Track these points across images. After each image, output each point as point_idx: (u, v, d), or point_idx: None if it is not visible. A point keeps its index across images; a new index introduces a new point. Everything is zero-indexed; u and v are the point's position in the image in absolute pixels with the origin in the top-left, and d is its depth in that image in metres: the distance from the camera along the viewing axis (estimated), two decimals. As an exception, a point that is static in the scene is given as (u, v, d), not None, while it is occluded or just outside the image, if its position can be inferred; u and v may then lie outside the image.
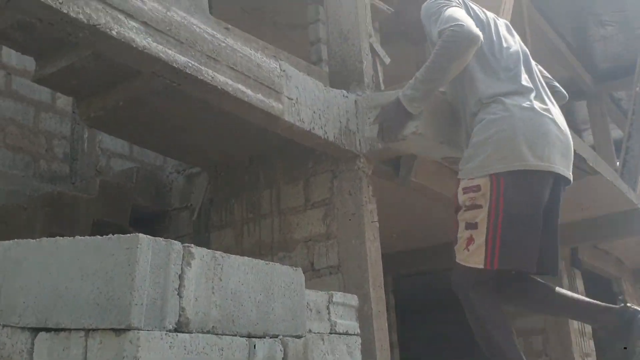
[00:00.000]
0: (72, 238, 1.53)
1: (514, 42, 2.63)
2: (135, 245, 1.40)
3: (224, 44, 3.30)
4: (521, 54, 2.60)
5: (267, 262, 1.78)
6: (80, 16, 2.65)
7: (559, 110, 2.51)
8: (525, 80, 2.46)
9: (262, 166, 4.57)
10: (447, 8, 2.47)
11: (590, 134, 10.02)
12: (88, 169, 5.62)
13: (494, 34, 2.57)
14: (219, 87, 3.19)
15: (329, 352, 2.13)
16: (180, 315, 1.48)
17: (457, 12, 2.43)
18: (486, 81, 2.43)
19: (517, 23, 5.70)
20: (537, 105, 2.40)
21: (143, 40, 2.91)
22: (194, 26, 3.17)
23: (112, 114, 3.86)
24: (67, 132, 5.72)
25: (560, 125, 2.44)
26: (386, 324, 4.01)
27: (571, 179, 2.46)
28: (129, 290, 1.36)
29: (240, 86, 3.34)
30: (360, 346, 2.45)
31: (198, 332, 1.50)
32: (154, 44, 2.95)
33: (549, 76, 2.91)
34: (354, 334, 2.40)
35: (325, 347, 2.16)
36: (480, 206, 2.29)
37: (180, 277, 1.50)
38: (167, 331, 1.42)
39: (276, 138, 4.02)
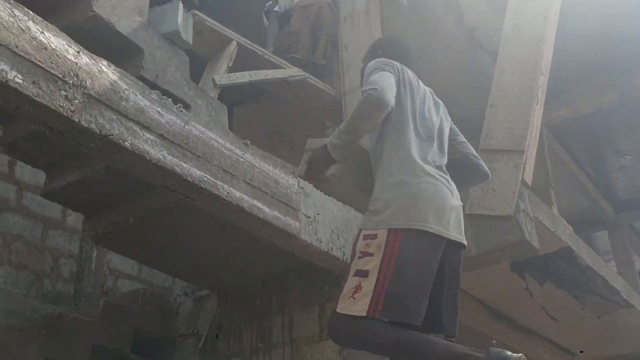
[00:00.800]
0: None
1: (436, 118, 2.81)
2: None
3: (242, 159, 3.18)
4: (436, 130, 2.76)
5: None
6: (93, 126, 2.54)
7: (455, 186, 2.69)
8: (432, 153, 2.66)
9: (275, 289, 4.30)
10: (378, 72, 2.63)
11: (613, 265, 9.71)
12: (94, 290, 5.36)
13: (420, 102, 2.76)
14: (234, 203, 3.02)
15: None
16: None
17: (382, 77, 2.59)
18: (404, 137, 2.61)
19: (539, 152, 5.65)
20: (440, 176, 2.59)
21: (158, 152, 2.78)
22: (212, 140, 3.07)
23: (121, 231, 3.68)
24: (75, 251, 5.52)
25: (457, 196, 2.63)
26: None
27: (465, 244, 2.63)
28: None
29: (256, 202, 3.18)
30: None
31: None
32: (169, 156, 2.83)
33: (475, 154, 3.07)
34: None
35: None
36: (372, 254, 2.40)
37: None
38: None
39: (291, 258, 3.79)
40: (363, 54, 4.82)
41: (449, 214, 2.51)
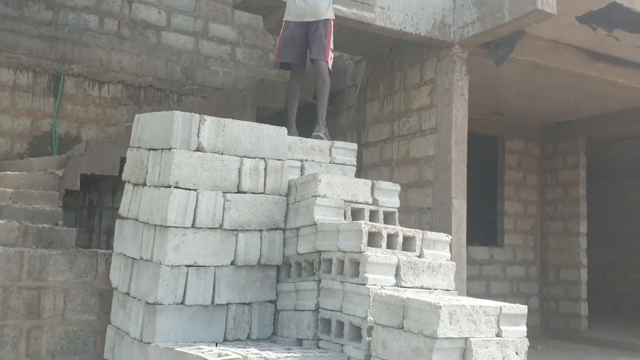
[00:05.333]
0: (160, 112, 3.57)
1: None
2: (172, 116, 3.35)
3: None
4: None
5: (260, 124, 3.54)
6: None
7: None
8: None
9: (396, 55, 6.08)
10: None
11: None
12: (307, 57, 7.65)
13: None
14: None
15: (325, 172, 3.87)
16: (198, 144, 3.39)
17: None
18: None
19: None
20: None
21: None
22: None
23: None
24: (292, 31, 7.78)
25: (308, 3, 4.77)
26: (465, 171, 5.40)
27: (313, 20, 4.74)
28: (171, 133, 3.35)
29: (337, 6, 4.94)
30: (354, 171, 4.09)
31: (208, 152, 3.40)
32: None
33: None
34: (350, 165, 4.03)
35: (322, 169, 3.89)
36: None
37: (199, 129, 3.39)
38: (190, 150, 3.36)
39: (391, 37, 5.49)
40: None
41: (296, 9, 4.75)
